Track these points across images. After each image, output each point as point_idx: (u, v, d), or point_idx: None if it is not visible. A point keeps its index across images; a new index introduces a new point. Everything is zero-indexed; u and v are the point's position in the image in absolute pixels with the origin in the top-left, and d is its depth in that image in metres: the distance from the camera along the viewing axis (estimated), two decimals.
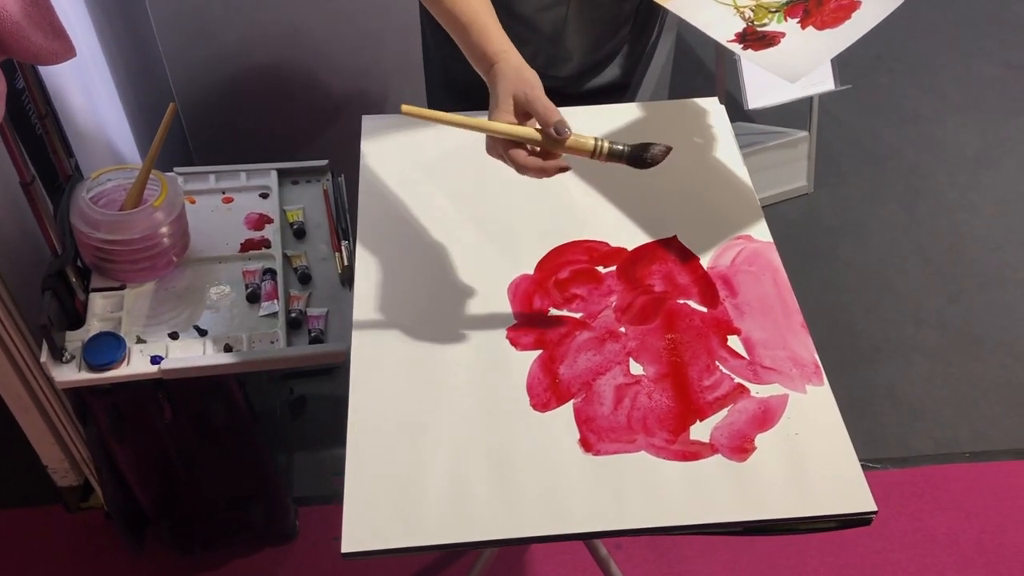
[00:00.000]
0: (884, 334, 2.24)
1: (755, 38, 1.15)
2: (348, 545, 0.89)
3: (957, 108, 2.88)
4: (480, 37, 1.06)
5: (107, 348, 1.36)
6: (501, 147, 0.98)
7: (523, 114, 0.99)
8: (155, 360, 1.37)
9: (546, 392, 1.02)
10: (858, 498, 0.93)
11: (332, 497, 1.88)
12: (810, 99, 2.45)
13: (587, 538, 0.91)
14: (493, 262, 1.15)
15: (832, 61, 2.28)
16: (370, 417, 0.99)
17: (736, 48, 1.14)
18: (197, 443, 1.55)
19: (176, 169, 1.64)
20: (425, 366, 1.04)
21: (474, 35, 1.06)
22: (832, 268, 2.39)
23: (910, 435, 2.04)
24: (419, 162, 1.29)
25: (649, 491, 0.93)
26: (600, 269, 1.15)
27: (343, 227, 1.60)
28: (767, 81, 2.23)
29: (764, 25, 1.17)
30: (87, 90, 1.63)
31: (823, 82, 2.29)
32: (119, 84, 1.77)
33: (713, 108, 1.38)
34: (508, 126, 0.96)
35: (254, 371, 1.45)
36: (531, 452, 0.97)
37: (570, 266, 1.15)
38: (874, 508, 0.93)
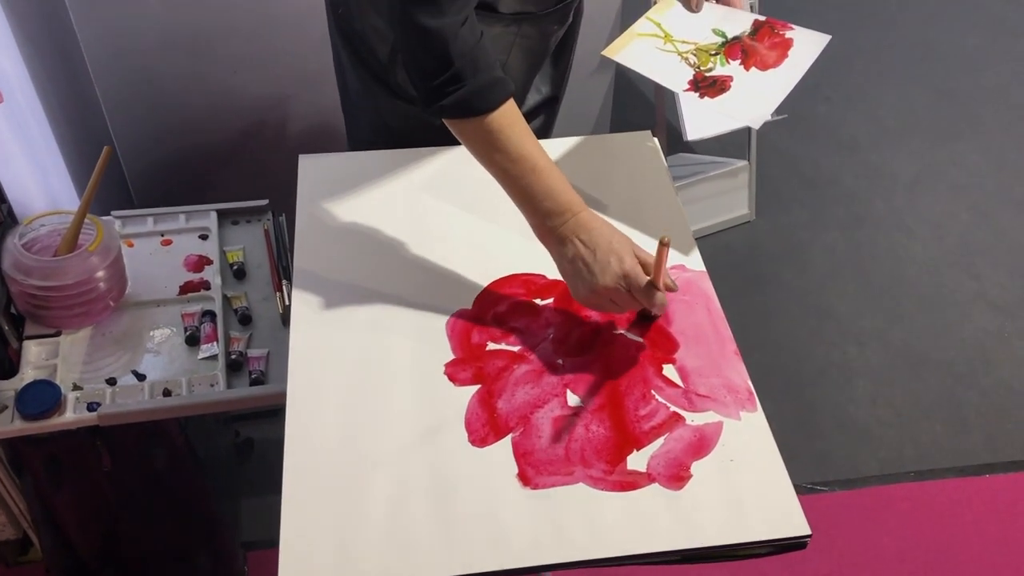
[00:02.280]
0: (828, 357, 2.28)
1: (707, 84, 1.19)
2: None
3: (893, 134, 2.96)
4: (561, 182, 1.07)
5: (41, 396, 1.33)
6: (643, 291, 1.03)
7: None
8: (92, 407, 1.35)
9: (484, 427, 1.02)
10: (792, 522, 0.94)
11: None
12: (748, 129, 2.50)
13: (528, 572, 0.91)
14: (431, 298, 1.15)
15: None
16: (306, 459, 0.99)
17: (692, 97, 1.18)
18: (139, 491, 1.52)
19: (114, 212, 1.62)
20: (363, 405, 1.04)
21: (551, 178, 1.07)
22: (775, 293, 2.43)
23: (856, 456, 2.07)
24: (356, 202, 1.29)
25: (588, 522, 0.94)
26: (538, 302, 1.16)
27: (284, 266, 1.59)
28: (705, 111, 2.27)
29: (710, 70, 1.21)
30: (22, 135, 1.62)
31: None
32: (56, 128, 1.76)
33: (647, 141, 1.40)
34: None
35: (195, 415, 1.43)
36: (470, 488, 0.96)
37: (508, 300, 1.16)
38: (808, 532, 0.94)
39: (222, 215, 1.66)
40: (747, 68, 1.20)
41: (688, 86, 1.19)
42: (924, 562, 1.87)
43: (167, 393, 1.38)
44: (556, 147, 1.38)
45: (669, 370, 1.08)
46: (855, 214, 2.67)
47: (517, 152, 1.06)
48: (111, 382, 1.39)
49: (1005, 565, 1.87)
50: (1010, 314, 2.40)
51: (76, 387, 1.38)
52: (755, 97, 1.17)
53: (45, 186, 1.70)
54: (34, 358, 1.41)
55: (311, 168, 1.34)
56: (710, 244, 2.54)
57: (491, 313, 1.14)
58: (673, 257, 1.22)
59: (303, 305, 1.14)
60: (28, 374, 1.38)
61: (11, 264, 1.38)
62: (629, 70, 1.25)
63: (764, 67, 1.19)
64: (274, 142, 1.90)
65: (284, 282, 1.56)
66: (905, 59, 3.28)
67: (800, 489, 1.97)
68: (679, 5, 1.28)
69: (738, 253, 2.54)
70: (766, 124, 2.72)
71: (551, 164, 1.08)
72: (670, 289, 1.06)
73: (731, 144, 2.56)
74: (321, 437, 1.01)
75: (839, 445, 2.09)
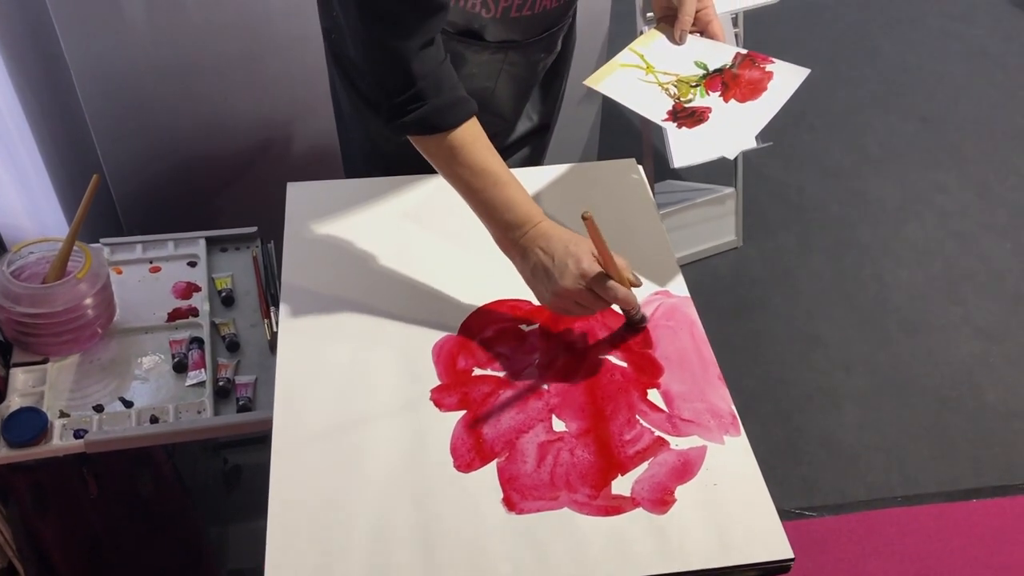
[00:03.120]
0: (815, 383, 2.29)
1: (685, 115, 1.21)
2: None
3: (877, 162, 2.99)
4: (521, 194, 1.11)
5: (27, 424, 1.33)
6: (597, 283, 1.05)
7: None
8: (79, 434, 1.35)
9: (469, 453, 1.02)
10: (776, 546, 0.95)
11: None
12: (735, 156, 2.53)
13: None
14: (418, 324, 1.16)
15: None
16: (292, 487, 0.99)
17: (671, 127, 1.20)
18: (125, 520, 1.52)
19: (103, 240, 1.63)
20: (349, 430, 1.04)
21: (512, 191, 1.10)
22: (763, 319, 2.45)
23: (844, 482, 2.08)
24: (343, 229, 1.30)
25: (573, 548, 0.94)
26: (523, 327, 1.17)
27: (272, 293, 1.60)
28: (691, 139, 2.29)
29: (690, 101, 1.22)
30: (11, 162, 1.63)
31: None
32: (45, 155, 1.77)
33: (631, 169, 1.42)
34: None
35: (182, 441, 1.43)
36: (455, 514, 0.97)
37: (494, 325, 1.17)
38: (791, 555, 0.95)
39: (211, 242, 1.67)
40: (726, 100, 1.22)
41: (667, 116, 1.21)
42: None
43: (154, 420, 1.38)
44: (542, 175, 1.39)
45: (654, 395, 1.09)
46: (841, 240, 2.69)
47: (479, 167, 1.09)
48: (98, 409, 1.39)
49: None
50: (995, 339, 2.41)
51: (63, 414, 1.38)
52: (731, 128, 1.18)
53: (34, 214, 1.71)
54: (21, 385, 1.41)
55: (299, 196, 1.35)
56: (698, 270, 2.56)
57: (477, 339, 1.15)
58: (657, 284, 1.23)
59: (290, 333, 1.15)
60: (15, 401, 1.38)
61: None
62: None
63: (743, 99, 1.21)
64: (264, 169, 1.92)
65: (272, 309, 1.56)
66: (888, 88, 3.32)
67: (788, 514, 1.99)
68: (663, 37, 1.30)
69: (726, 279, 2.56)
70: (753, 152, 2.77)
71: (511, 177, 1.11)
72: (633, 284, 1.09)
73: (718, 171, 2.58)
74: (306, 465, 1.01)
75: (826, 470, 2.10)
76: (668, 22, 1.30)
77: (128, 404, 1.41)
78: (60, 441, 1.34)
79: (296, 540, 0.94)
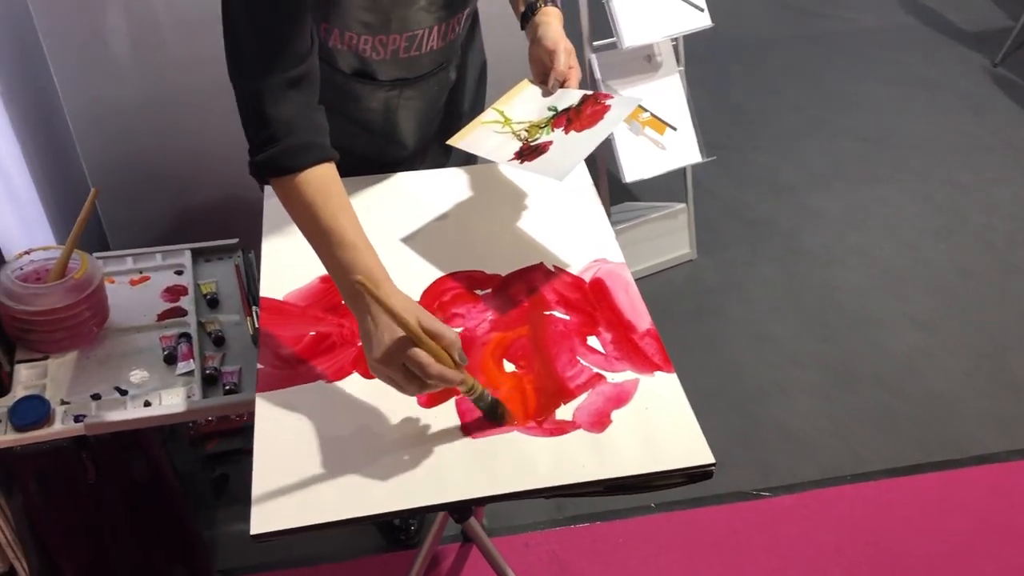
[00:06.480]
0: (769, 377, 2.44)
1: (529, 151, 1.33)
2: (256, 528, 1.01)
3: (823, 179, 3.18)
4: (365, 256, 1.07)
5: (32, 410, 1.46)
6: (401, 352, 0.99)
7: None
8: (78, 419, 1.47)
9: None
10: (699, 453, 1.09)
11: (259, 567, 1.95)
12: (684, 173, 2.71)
13: (466, 504, 1.04)
14: None
15: (698, 137, 2.54)
16: (275, 421, 1.12)
17: (515, 165, 1.31)
18: (122, 506, 1.63)
19: (95, 254, 1.76)
20: (326, 384, 1.18)
21: (359, 255, 1.07)
22: (718, 324, 2.60)
23: (797, 464, 2.21)
24: None
25: (522, 463, 1.07)
26: (477, 292, 1.31)
27: (254, 295, 1.74)
28: (640, 156, 2.47)
29: (536, 139, 1.35)
30: (7, 188, 1.77)
31: (691, 155, 2.54)
32: (38, 182, 1.92)
33: None
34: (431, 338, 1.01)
35: (173, 423, 1.55)
36: (420, 440, 1.10)
37: (451, 291, 1.31)
38: (712, 460, 1.08)
39: (196, 253, 1.81)
40: (567, 132, 1.34)
41: (513, 156, 1.32)
42: (863, 554, 2.00)
43: (147, 404, 1.51)
44: (485, 171, 1.54)
45: (593, 341, 1.23)
46: (790, 249, 2.87)
47: (326, 224, 1.08)
48: (96, 397, 1.51)
49: (937, 555, 2.01)
50: (934, 331, 2.58)
51: (64, 402, 1.50)
52: (564, 154, 1.28)
53: (27, 234, 1.85)
54: (24, 379, 1.53)
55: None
56: (656, 281, 2.72)
57: (437, 303, 1.29)
58: (594, 252, 1.38)
59: (270, 285, 1.29)
60: (19, 392, 1.51)
61: (3, 292, 1.52)
62: None
63: (581, 128, 1.33)
64: (243, 189, 2.06)
65: (254, 307, 1.70)
66: (832, 111, 3.54)
67: (745, 495, 2.12)
68: (526, 92, 1.44)
69: (682, 289, 2.72)
70: (705, 172, 2.95)
71: (359, 237, 1.08)
72: (456, 363, 1.03)
73: (673, 191, 2.76)
74: (289, 402, 1.14)
75: (781, 455, 2.23)
76: (542, 79, 1.43)
77: (123, 392, 1.53)
78: (62, 425, 1.46)
79: (278, 463, 1.07)
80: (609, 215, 2.59)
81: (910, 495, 2.14)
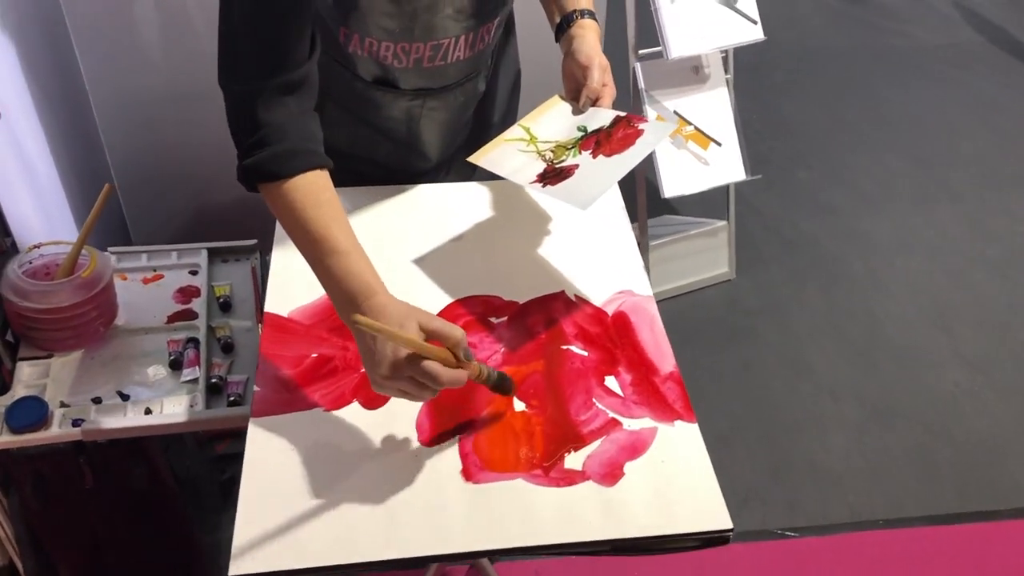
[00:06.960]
0: (803, 409, 2.33)
1: (553, 174, 1.24)
2: (236, 569, 0.94)
3: (871, 200, 3.06)
4: (358, 264, 1.02)
5: (29, 411, 1.41)
6: (410, 367, 0.94)
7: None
8: (76, 423, 1.42)
9: (433, 428, 1.09)
10: (716, 517, 1.00)
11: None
12: (727, 190, 2.60)
13: (466, 558, 0.96)
14: None
15: (743, 153, 2.44)
16: (265, 453, 1.06)
17: (536, 188, 1.22)
18: (119, 512, 1.58)
19: (111, 249, 1.72)
20: (322, 413, 1.11)
21: (353, 263, 1.02)
22: (753, 348, 2.50)
23: (827, 504, 2.11)
24: None
25: (525, 514, 1.00)
26: (492, 320, 1.24)
27: None
28: (681, 170, 2.38)
29: (562, 162, 1.26)
30: (28, 176, 1.73)
31: (735, 172, 2.44)
32: (60, 170, 1.88)
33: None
34: (428, 345, 0.96)
35: (174, 433, 1.50)
36: (417, 482, 1.03)
37: (465, 317, 1.24)
38: (730, 526, 0.99)
39: (212, 253, 1.76)
40: (595, 156, 1.25)
41: (535, 179, 1.23)
42: None
43: (148, 412, 1.46)
44: (509, 189, 1.45)
45: (611, 382, 1.15)
46: (833, 274, 2.75)
47: (317, 232, 1.03)
48: (96, 401, 1.47)
49: None
50: (982, 370, 2.45)
51: (63, 405, 1.45)
52: (590, 181, 1.19)
53: (48, 225, 1.80)
54: (26, 377, 1.49)
55: None
56: (690, 301, 2.62)
57: None
58: (620, 283, 1.30)
59: (272, 326, 1.23)
60: (19, 391, 1.46)
61: (9, 288, 1.47)
62: None
63: (611, 153, 1.24)
64: None
65: None
66: (886, 130, 3.41)
67: (772, 534, 2.02)
68: (555, 109, 1.35)
69: (718, 310, 2.62)
70: (748, 188, 2.84)
71: (353, 246, 1.03)
72: (460, 363, 0.98)
73: (714, 206, 2.66)
74: (281, 429, 1.08)
75: (811, 493, 2.13)
76: (574, 95, 1.33)
77: (124, 397, 1.48)
78: (59, 429, 1.41)
79: (266, 498, 1.00)
80: (646, 228, 2.51)
81: (946, 545, 2.03)
